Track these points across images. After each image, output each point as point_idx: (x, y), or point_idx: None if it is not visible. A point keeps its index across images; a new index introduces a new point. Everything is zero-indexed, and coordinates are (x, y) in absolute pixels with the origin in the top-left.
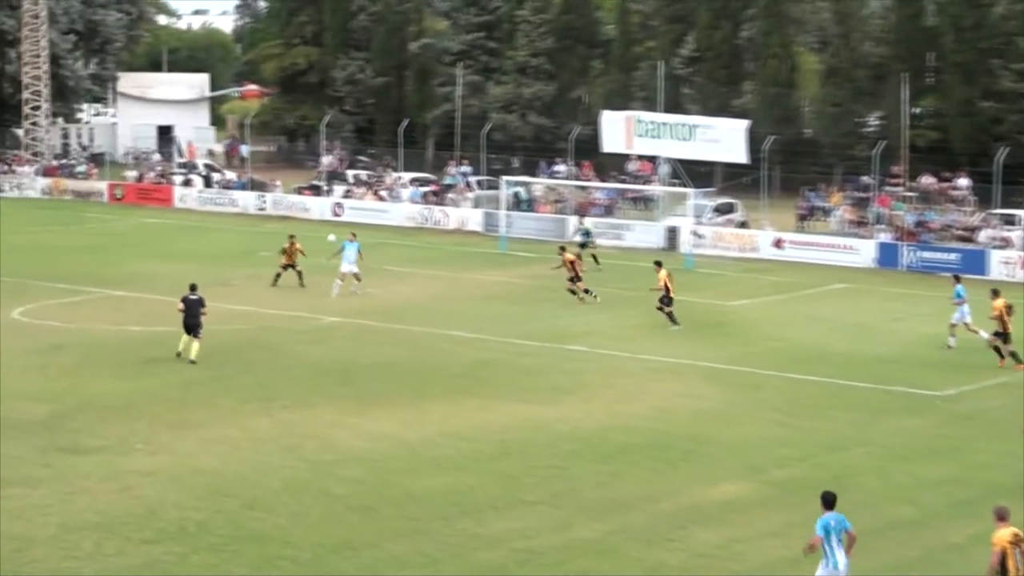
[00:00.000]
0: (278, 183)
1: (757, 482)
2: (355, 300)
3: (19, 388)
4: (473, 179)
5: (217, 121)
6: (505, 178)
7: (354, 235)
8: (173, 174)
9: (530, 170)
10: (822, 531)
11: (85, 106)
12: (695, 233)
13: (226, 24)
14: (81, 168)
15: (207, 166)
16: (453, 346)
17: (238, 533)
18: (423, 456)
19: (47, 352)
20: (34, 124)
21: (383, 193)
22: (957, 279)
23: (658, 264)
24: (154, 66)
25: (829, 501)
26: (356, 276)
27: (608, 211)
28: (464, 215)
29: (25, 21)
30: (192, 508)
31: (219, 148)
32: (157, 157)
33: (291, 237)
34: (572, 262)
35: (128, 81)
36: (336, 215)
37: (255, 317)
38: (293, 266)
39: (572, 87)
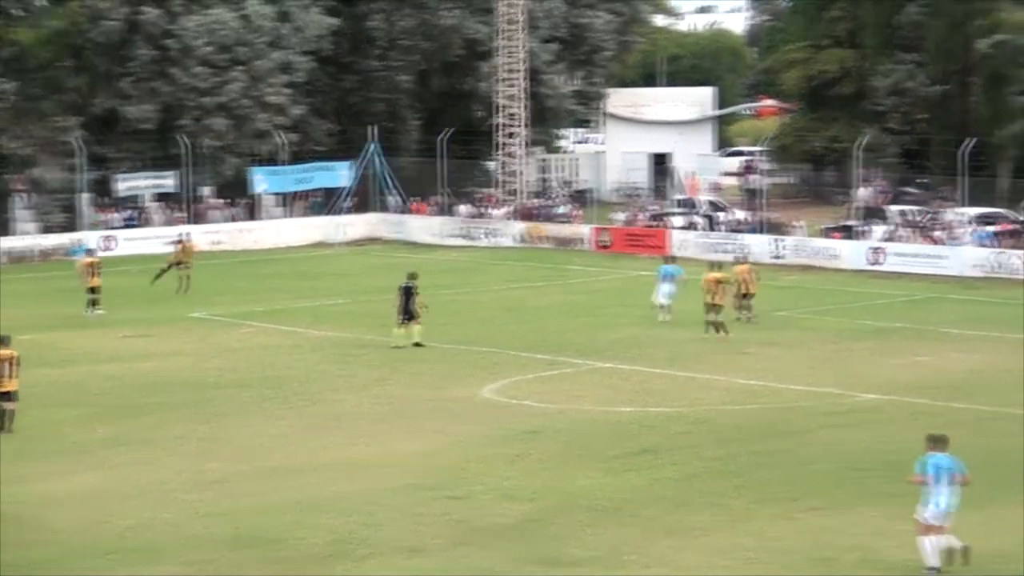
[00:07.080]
0: (800, 223)
1: None
2: (902, 372)
3: (491, 483)
4: None
5: (724, 146)
6: None
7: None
8: (670, 214)
9: None
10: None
11: (567, 132)
12: None
13: (737, 24)
14: (562, 209)
15: (710, 203)
16: None
17: None
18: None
19: (522, 439)
20: (509, 155)
21: (938, 234)
22: None
23: None
24: (648, 80)
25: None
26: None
27: None
28: None
29: (500, 28)
30: None
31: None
32: (649, 194)
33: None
34: None
35: (617, 99)
36: (873, 263)
37: (772, 394)
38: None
39: None
